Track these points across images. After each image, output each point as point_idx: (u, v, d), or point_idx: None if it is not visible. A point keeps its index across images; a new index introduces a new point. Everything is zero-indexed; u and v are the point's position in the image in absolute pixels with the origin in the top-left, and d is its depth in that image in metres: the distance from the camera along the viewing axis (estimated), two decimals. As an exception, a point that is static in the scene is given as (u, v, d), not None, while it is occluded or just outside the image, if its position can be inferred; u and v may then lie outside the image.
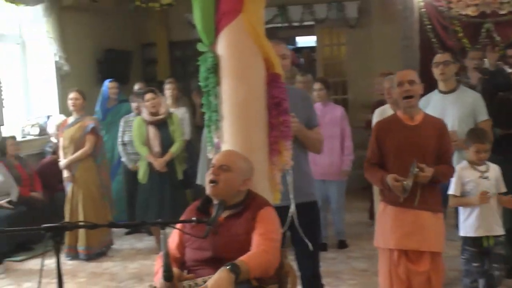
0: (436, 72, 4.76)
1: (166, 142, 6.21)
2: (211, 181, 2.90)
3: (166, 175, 6.20)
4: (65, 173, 6.31)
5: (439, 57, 4.80)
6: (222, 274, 2.55)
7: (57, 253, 2.25)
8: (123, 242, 6.92)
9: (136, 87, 7.80)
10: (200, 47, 3.23)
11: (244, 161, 2.99)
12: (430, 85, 4.86)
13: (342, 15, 9.16)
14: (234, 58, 3.15)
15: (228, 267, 2.57)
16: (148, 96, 6.21)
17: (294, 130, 3.46)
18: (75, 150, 6.25)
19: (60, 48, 7.98)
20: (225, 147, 3.19)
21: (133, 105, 6.93)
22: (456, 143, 4.38)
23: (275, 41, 3.78)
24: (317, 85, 5.91)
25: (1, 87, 7.14)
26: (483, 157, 4.02)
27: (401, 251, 3.66)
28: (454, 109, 4.68)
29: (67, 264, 6.12)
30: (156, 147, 6.20)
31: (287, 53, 3.73)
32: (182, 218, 2.96)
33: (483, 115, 4.70)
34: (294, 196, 3.47)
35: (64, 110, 7.03)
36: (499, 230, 4.05)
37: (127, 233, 7.23)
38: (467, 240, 4.10)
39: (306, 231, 3.58)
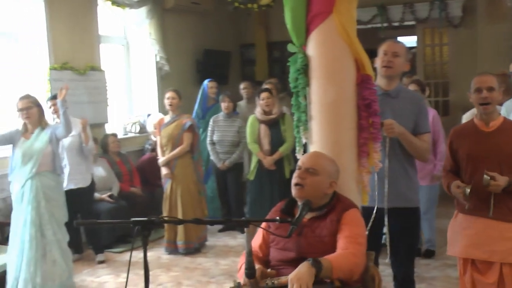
0: None
1: (276, 141, 6.36)
2: (297, 184, 2.90)
3: (275, 173, 6.34)
4: (164, 170, 6.45)
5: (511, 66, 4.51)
6: (303, 267, 2.55)
7: (144, 246, 2.34)
8: (217, 239, 7.06)
9: (241, 86, 7.99)
10: (291, 48, 3.24)
11: (331, 164, 2.96)
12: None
13: (445, 14, 8.84)
14: (324, 58, 3.14)
15: (310, 261, 2.56)
16: (264, 95, 6.40)
17: (393, 133, 3.38)
18: (173, 148, 6.39)
19: (161, 49, 8.27)
20: (313, 148, 3.18)
21: (223, 105, 7.07)
22: None
23: (392, 40, 3.72)
24: (411, 87, 5.73)
25: (107, 86, 7.50)
26: None
27: (467, 259, 3.49)
28: None
29: (164, 258, 6.32)
30: (266, 145, 6.38)
31: (399, 51, 3.58)
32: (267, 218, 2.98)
33: None
34: (394, 200, 3.45)
35: (163, 109, 7.27)
36: None
37: (220, 230, 7.35)
38: None
39: (403, 236, 3.53)
